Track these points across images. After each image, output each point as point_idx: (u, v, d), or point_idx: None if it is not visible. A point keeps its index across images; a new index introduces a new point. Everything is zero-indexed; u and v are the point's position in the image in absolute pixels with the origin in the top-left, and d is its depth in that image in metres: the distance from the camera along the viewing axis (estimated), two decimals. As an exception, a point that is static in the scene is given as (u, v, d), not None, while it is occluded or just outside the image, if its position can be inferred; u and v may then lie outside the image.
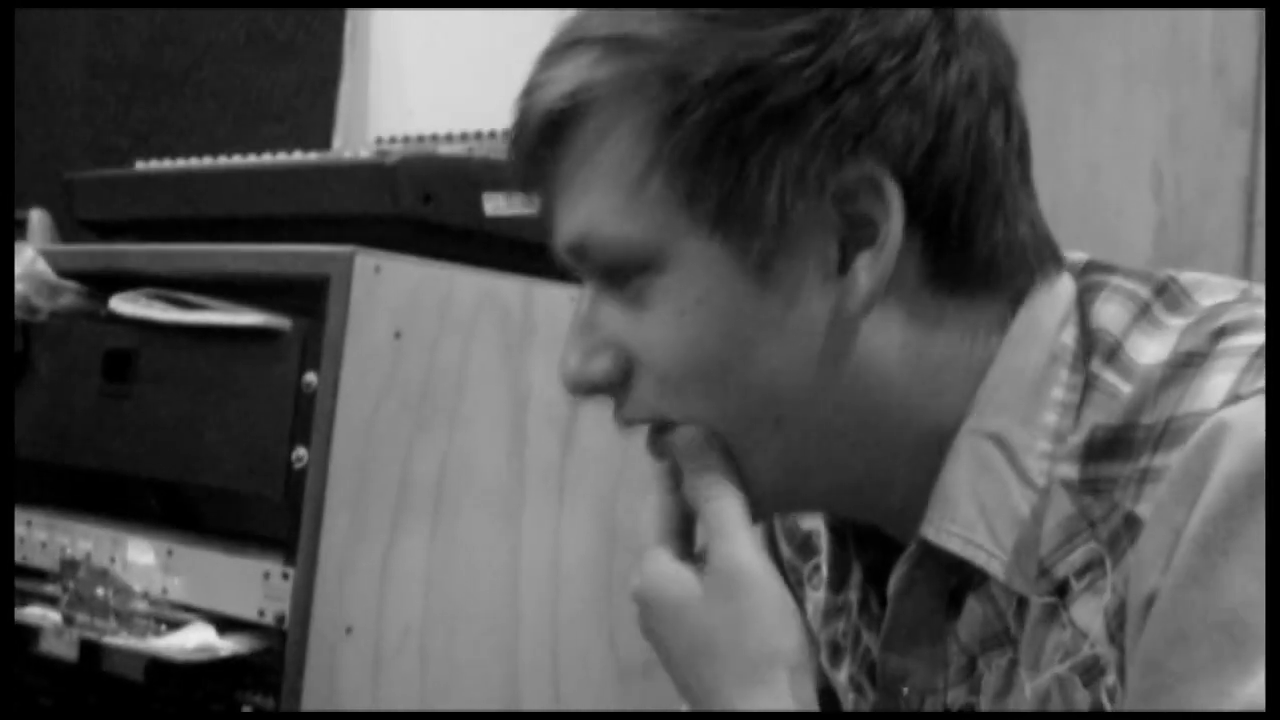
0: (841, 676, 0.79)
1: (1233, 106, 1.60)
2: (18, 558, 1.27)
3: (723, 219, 0.62)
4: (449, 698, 1.17)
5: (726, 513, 0.66)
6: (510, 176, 0.68)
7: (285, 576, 1.09)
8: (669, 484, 0.69)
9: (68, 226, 1.48)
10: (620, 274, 0.65)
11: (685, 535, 0.69)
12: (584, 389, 0.67)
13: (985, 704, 0.66)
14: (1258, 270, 1.58)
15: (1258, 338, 0.60)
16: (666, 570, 0.67)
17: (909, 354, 0.64)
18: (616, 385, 0.67)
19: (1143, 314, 0.65)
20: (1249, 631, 0.54)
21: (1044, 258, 0.67)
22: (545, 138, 0.64)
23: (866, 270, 0.62)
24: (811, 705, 0.65)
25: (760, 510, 0.68)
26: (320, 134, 2.06)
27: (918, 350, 0.65)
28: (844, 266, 0.63)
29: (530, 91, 0.65)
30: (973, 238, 0.64)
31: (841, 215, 0.62)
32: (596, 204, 0.64)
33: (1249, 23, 1.60)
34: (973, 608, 0.66)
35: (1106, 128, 1.67)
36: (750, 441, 0.65)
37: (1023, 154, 0.66)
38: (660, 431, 0.67)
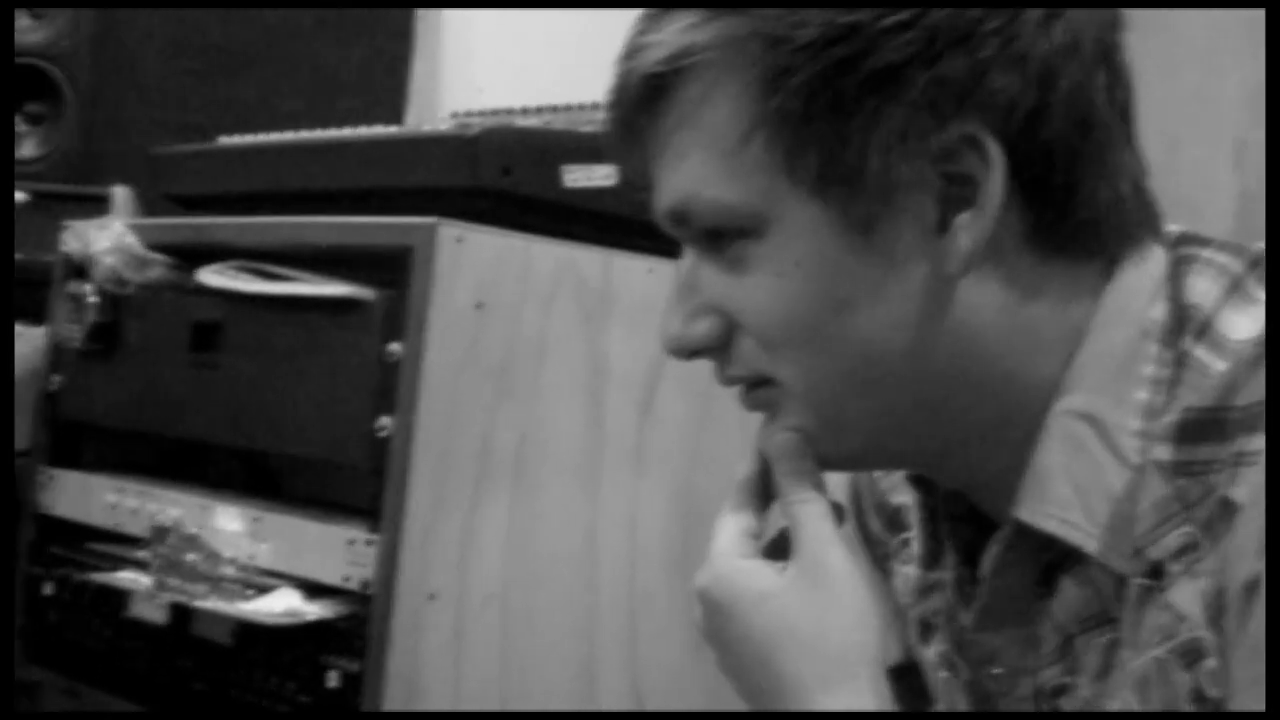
0: (931, 653, 0.80)
1: (1318, 75, 1.57)
2: (110, 524, 1.30)
3: (823, 181, 0.62)
4: (528, 664, 1.19)
5: (816, 514, 0.67)
6: (608, 141, 0.68)
7: (370, 543, 1.11)
8: (746, 494, 0.71)
9: (147, 202, 1.50)
10: (720, 238, 0.65)
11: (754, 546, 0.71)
12: (686, 352, 0.68)
13: (1085, 684, 0.66)
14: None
15: None
16: (744, 566, 0.68)
17: (1005, 319, 0.64)
18: (718, 347, 0.67)
19: (1235, 288, 0.64)
20: None
21: (1143, 223, 0.66)
22: (646, 101, 0.65)
23: (966, 230, 0.62)
24: (890, 706, 0.66)
25: (844, 467, 0.70)
26: (391, 110, 2.08)
27: (1014, 316, 0.64)
28: (944, 227, 0.63)
29: (631, 54, 0.65)
30: (1074, 200, 0.64)
31: (942, 175, 0.62)
32: (697, 168, 0.64)
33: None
34: (1070, 587, 0.66)
35: (1187, 98, 1.64)
36: (843, 400, 0.66)
37: (1126, 114, 0.66)
38: (757, 387, 0.68)
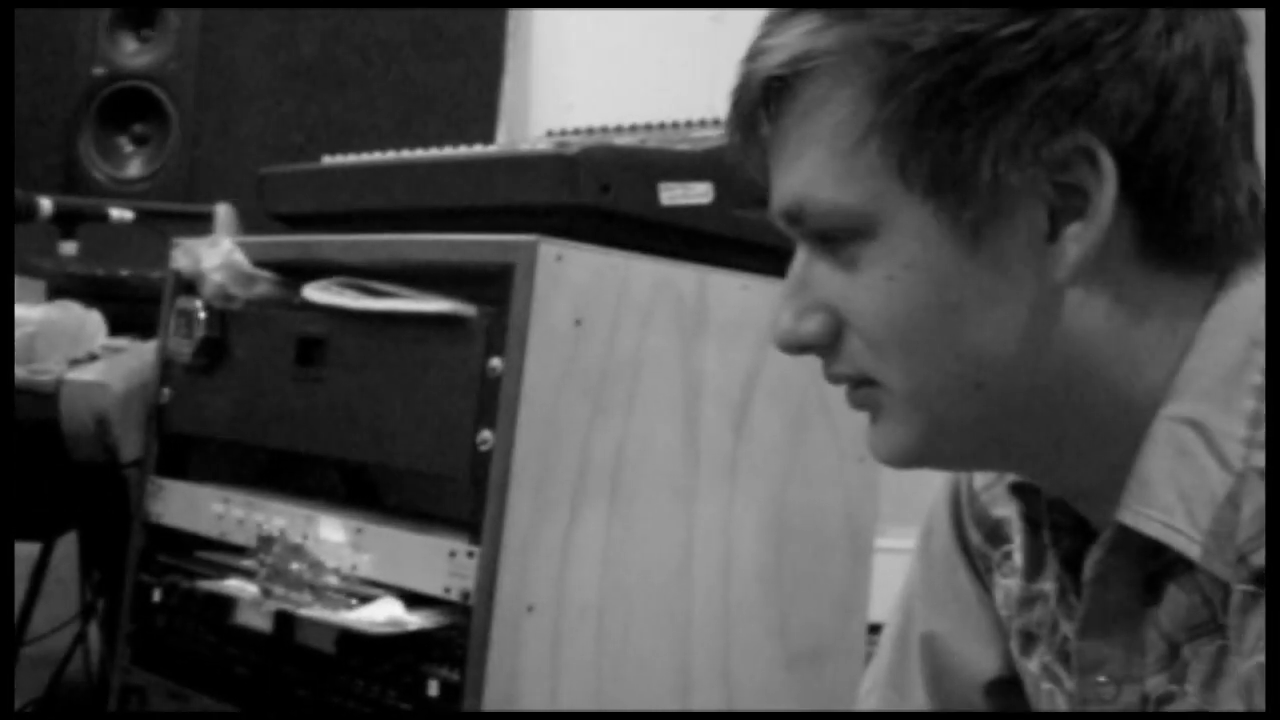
0: (1033, 665, 0.79)
1: None
2: (217, 533, 1.34)
3: (936, 187, 0.63)
4: (624, 676, 1.20)
5: None
6: (728, 140, 0.70)
7: (470, 555, 1.13)
8: None
9: (253, 220, 1.54)
10: (833, 238, 0.67)
11: None
12: (795, 347, 0.69)
13: (1193, 692, 0.66)
14: None
15: None
16: None
17: (1113, 328, 0.65)
18: (826, 345, 0.69)
19: None
20: None
21: (1258, 236, 0.66)
22: (765, 102, 0.67)
23: (1076, 240, 0.63)
24: None
25: (944, 466, 0.72)
26: (483, 128, 2.11)
27: (1122, 325, 0.65)
28: (1054, 236, 0.64)
29: (753, 57, 0.67)
30: (1187, 213, 0.64)
31: (1054, 185, 0.63)
32: (812, 169, 0.66)
33: None
34: (1176, 595, 0.66)
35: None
36: (947, 404, 0.67)
37: (1246, 127, 0.66)
38: (862, 386, 0.69)
